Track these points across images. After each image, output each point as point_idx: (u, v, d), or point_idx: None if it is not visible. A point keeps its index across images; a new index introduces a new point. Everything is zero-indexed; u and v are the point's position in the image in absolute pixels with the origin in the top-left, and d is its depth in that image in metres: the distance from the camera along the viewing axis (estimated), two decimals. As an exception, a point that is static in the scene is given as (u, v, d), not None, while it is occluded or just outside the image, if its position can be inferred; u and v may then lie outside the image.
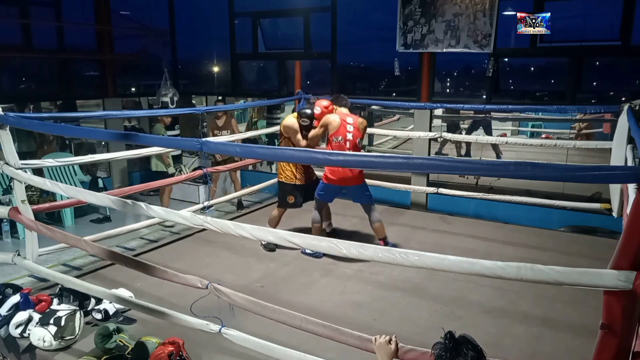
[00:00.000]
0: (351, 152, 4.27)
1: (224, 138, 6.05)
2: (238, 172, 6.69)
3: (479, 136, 7.54)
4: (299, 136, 4.66)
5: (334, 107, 4.66)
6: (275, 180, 6.57)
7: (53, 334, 3.07)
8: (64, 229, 5.62)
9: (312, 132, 4.64)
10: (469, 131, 8.21)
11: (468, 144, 8.00)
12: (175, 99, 6.72)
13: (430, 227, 5.36)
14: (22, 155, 3.97)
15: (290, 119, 4.74)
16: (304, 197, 4.83)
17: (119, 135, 4.19)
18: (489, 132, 7.96)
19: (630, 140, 3.53)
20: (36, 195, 5.76)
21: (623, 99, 4.68)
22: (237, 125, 6.56)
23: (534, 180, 5.77)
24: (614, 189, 4.21)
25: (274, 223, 4.80)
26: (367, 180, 5.91)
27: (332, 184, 4.52)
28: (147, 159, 6.55)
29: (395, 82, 7.14)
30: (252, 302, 2.65)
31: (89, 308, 3.47)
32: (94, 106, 7.88)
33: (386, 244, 4.43)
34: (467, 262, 2.03)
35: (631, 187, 2.50)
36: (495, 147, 7.67)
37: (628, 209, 2.16)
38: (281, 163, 4.79)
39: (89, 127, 6.78)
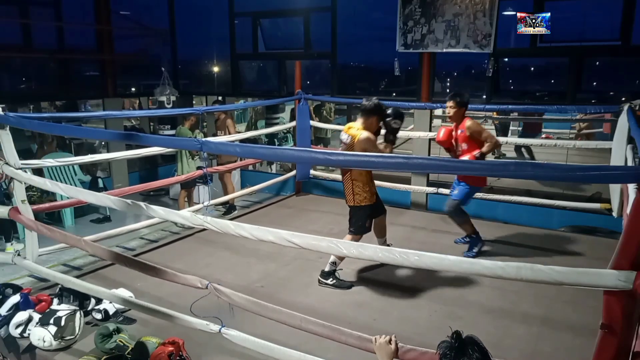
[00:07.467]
0: (351, 152, 4.11)
1: (218, 139, 5.97)
2: (232, 175, 6.62)
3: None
4: (381, 147, 3.98)
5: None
6: (274, 180, 6.61)
7: (53, 334, 3.07)
8: (64, 229, 5.63)
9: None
10: None
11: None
12: (172, 98, 6.72)
13: (430, 227, 5.35)
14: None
15: (365, 133, 3.79)
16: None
17: (119, 135, 4.19)
18: None
19: (630, 140, 3.53)
20: (36, 196, 5.76)
21: (623, 99, 4.67)
22: (233, 126, 6.43)
23: (534, 180, 5.82)
24: (614, 189, 4.21)
25: None
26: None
27: (479, 185, 4.53)
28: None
29: (395, 82, 7.14)
30: (252, 302, 2.65)
31: (89, 308, 3.47)
32: (94, 106, 7.89)
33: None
34: (467, 262, 2.04)
35: (631, 187, 2.50)
36: None
37: (628, 209, 2.16)
38: (352, 185, 3.92)
39: (89, 127, 6.80)
